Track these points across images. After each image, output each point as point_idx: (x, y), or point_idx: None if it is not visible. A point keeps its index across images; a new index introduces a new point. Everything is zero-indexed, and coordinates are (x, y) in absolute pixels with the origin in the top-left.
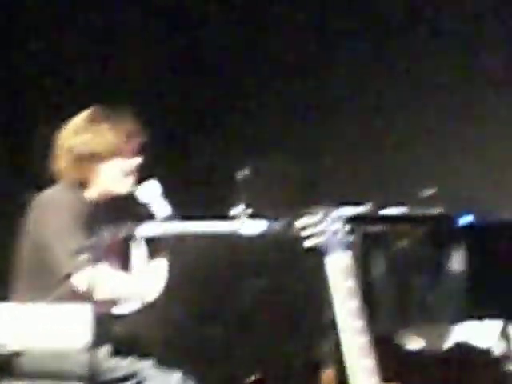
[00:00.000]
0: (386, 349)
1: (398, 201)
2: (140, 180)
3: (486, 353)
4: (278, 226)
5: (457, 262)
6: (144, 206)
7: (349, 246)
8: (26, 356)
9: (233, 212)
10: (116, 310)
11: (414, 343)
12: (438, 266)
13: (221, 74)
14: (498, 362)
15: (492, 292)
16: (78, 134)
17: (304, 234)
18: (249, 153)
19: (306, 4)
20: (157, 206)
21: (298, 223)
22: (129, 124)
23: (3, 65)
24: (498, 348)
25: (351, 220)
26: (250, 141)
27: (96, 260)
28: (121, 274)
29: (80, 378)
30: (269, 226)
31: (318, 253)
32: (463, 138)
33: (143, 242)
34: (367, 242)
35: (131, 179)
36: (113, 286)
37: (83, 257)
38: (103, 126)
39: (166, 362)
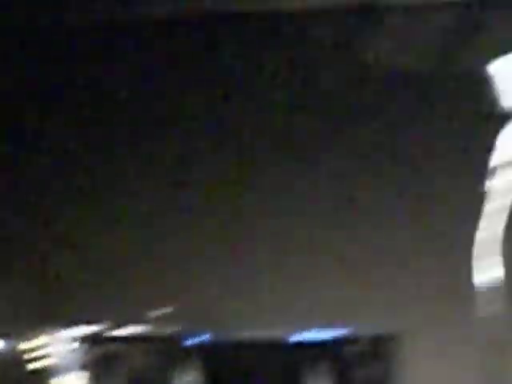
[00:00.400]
0: None
1: (135, 319)
2: None
3: None
4: (7, 346)
5: (192, 381)
6: None
7: (81, 367)
8: None
9: None
10: None
11: None
12: None
13: None
14: None
15: None
16: None
17: (35, 355)
18: None
19: None
20: None
21: (29, 344)
22: None
23: None
24: None
25: (85, 340)
26: None
27: None
28: None
29: None
30: None
31: (49, 374)
32: (211, 259)
33: None
34: (101, 361)
35: None
36: None
37: None
38: None
39: None
